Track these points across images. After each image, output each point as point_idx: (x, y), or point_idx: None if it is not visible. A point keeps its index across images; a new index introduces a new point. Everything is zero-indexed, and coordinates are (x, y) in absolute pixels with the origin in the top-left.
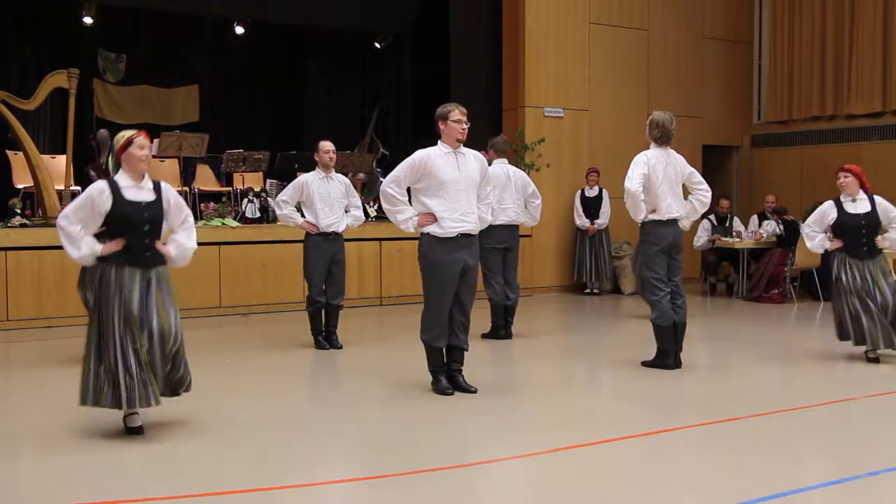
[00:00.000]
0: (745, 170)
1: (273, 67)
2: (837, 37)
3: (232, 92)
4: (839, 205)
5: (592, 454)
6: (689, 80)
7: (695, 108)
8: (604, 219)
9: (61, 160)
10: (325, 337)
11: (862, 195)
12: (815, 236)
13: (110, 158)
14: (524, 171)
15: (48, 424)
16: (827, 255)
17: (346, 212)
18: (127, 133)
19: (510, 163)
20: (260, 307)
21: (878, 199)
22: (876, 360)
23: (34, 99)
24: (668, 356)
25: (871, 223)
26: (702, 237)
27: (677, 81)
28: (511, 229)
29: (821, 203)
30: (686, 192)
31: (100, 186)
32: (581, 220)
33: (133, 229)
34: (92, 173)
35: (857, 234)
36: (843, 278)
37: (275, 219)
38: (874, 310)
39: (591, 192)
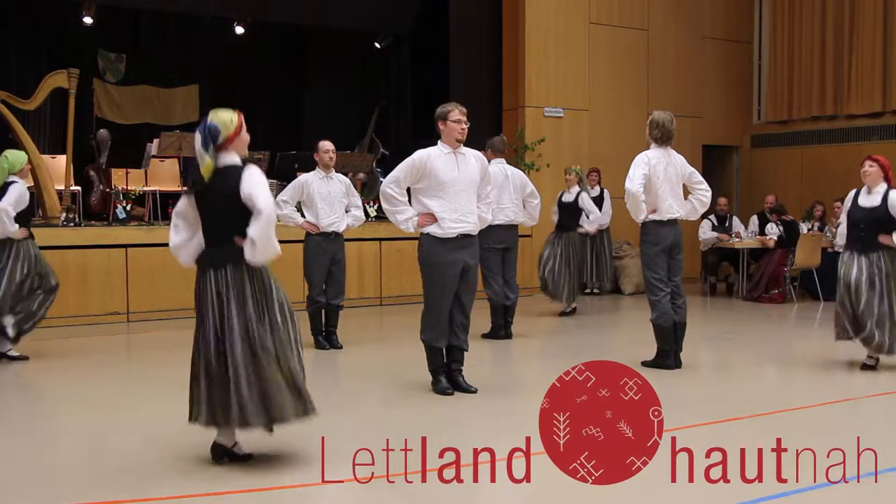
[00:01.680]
0: (745, 170)
1: (273, 67)
2: (837, 37)
3: (232, 92)
4: (856, 195)
5: None
6: (689, 80)
7: (695, 108)
8: (605, 219)
9: (61, 160)
10: (325, 337)
11: (880, 189)
12: (844, 222)
13: (210, 145)
14: (524, 171)
15: (47, 424)
16: (830, 254)
17: (346, 212)
18: (233, 115)
19: (508, 163)
20: None
21: (893, 193)
22: (872, 368)
23: (34, 99)
24: (668, 356)
25: (870, 218)
26: (706, 232)
27: (677, 81)
28: (510, 229)
29: (820, 202)
30: (686, 192)
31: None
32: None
33: None
34: (92, 173)
35: (856, 228)
36: (840, 271)
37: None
38: (852, 302)
39: (593, 193)
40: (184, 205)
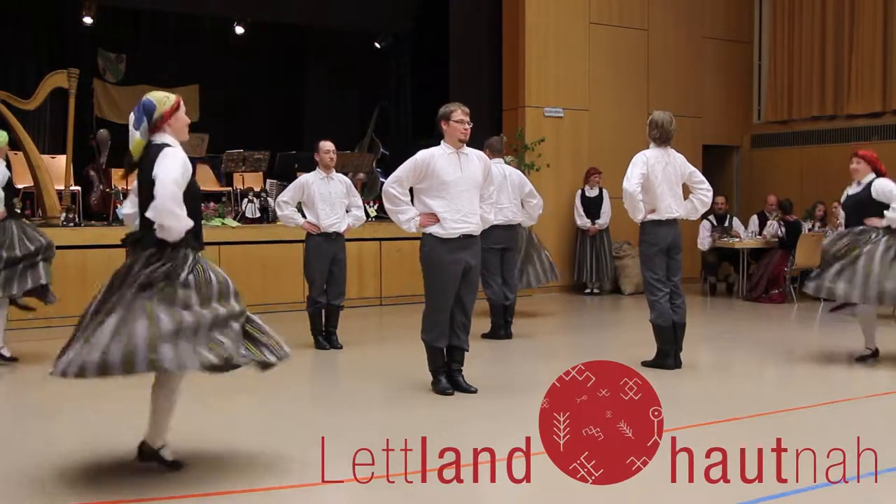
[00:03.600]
0: (745, 170)
1: (273, 67)
2: (837, 37)
3: (232, 92)
4: (848, 189)
5: None
6: (689, 80)
7: (695, 108)
8: (604, 219)
9: (61, 160)
10: (325, 337)
11: (867, 179)
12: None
13: (143, 123)
14: (523, 171)
15: (46, 424)
16: None
17: (346, 212)
18: (170, 95)
19: (506, 162)
20: (260, 307)
21: (879, 180)
22: (865, 359)
23: (34, 99)
24: (667, 356)
25: (855, 203)
26: (705, 238)
27: (677, 81)
28: (508, 229)
29: (821, 202)
30: (687, 192)
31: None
32: (582, 221)
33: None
34: (92, 173)
35: (847, 215)
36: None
37: (275, 219)
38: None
39: (592, 193)
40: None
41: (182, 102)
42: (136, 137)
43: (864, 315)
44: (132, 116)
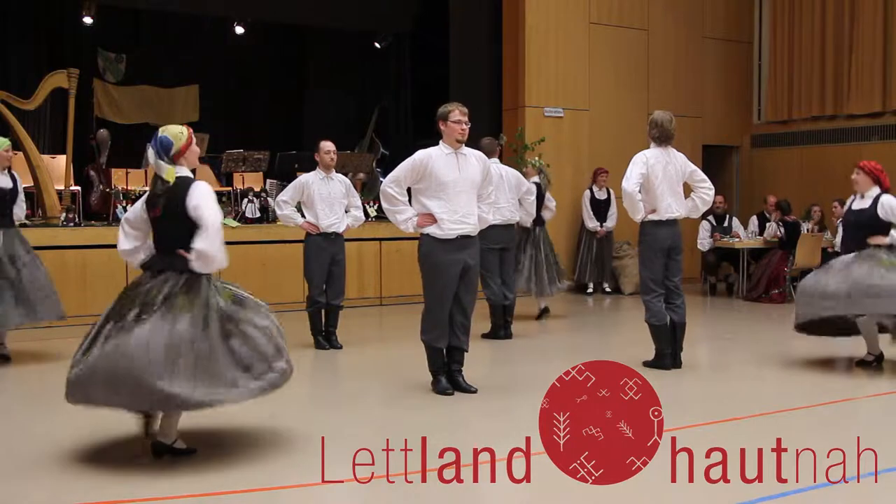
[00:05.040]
0: (745, 170)
1: (273, 67)
2: (837, 37)
3: (232, 92)
4: (852, 201)
5: None
6: (689, 80)
7: (695, 108)
8: (612, 221)
9: (61, 160)
10: (325, 337)
11: (872, 192)
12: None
13: (164, 157)
14: (523, 172)
15: (47, 425)
16: (830, 254)
17: (346, 212)
18: (183, 129)
19: (503, 162)
20: None
21: (885, 197)
22: (867, 364)
23: (34, 99)
24: (665, 356)
25: (860, 221)
26: (705, 238)
27: (677, 81)
28: (507, 229)
29: (816, 204)
30: (687, 191)
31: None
32: (593, 224)
33: None
34: (92, 173)
35: (847, 230)
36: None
37: (275, 219)
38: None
39: (601, 195)
40: (135, 213)
41: (192, 134)
42: (167, 168)
43: (862, 322)
44: (150, 153)
